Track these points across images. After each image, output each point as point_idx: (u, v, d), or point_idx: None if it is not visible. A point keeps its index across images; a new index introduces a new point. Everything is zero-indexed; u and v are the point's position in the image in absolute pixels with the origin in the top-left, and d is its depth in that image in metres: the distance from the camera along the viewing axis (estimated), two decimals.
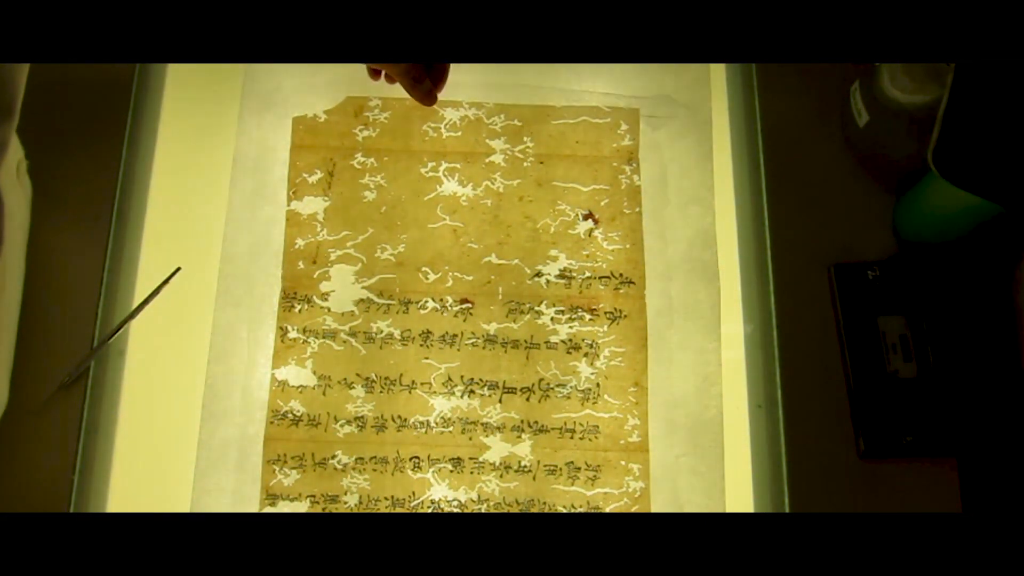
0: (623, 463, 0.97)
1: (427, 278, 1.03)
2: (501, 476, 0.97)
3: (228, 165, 1.07)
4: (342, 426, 0.98)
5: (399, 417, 0.99)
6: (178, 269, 0.99)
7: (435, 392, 1.00)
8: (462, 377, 1.00)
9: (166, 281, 0.98)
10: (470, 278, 1.02)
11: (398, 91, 1.04)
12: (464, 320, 1.02)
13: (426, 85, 1.01)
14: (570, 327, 1.02)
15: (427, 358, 1.01)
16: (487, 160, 1.09)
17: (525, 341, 1.02)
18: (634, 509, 0.96)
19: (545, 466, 0.97)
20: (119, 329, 0.96)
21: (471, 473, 0.97)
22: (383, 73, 1.06)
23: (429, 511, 0.96)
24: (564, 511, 0.96)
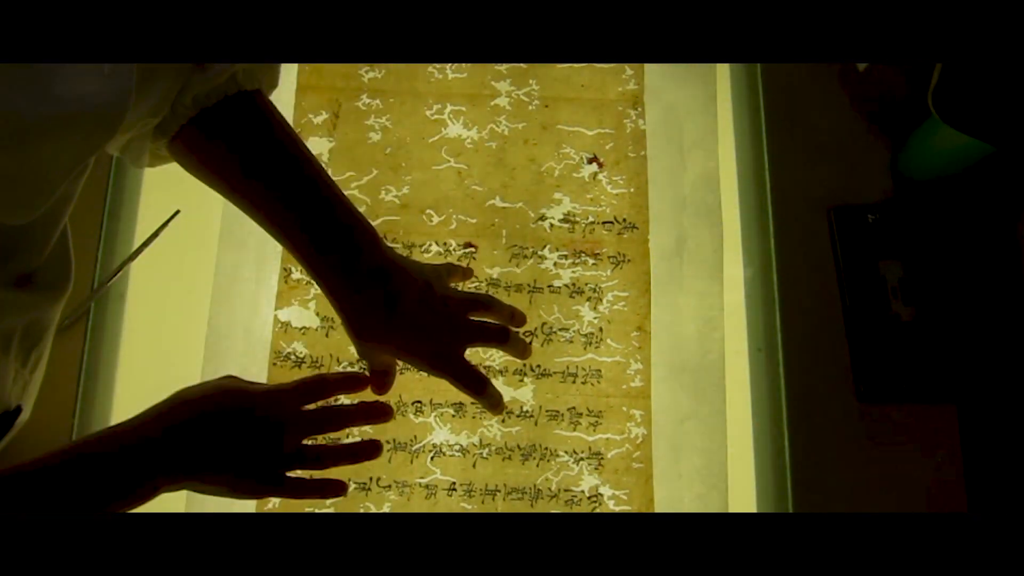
0: (625, 408, 0.89)
1: (431, 220, 0.94)
2: (503, 421, 0.89)
3: None
4: (344, 368, 0.89)
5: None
6: (177, 212, 0.90)
7: None
8: None
9: (165, 224, 0.89)
10: (474, 221, 0.93)
11: None
12: (468, 263, 0.93)
13: (494, 396, 0.74)
14: (573, 271, 0.93)
15: None
16: (492, 102, 0.99)
17: (528, 285, 0.92)
18: (635, 455, 0.87)
19: (547, 411, 0.89)
20: (118, 272, 0.87)
21: (472, 417, 0.89)
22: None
23: (431, 455, 0.87)
24: (566, 456, 0.87)
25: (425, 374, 0.88)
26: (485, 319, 0.75)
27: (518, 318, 0.77)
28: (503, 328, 0.74)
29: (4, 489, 0.56)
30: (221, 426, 0.64)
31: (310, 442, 0.68)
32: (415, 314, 0.70)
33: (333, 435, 0.82)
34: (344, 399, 0.77)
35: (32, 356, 0.60)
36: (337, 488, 0.70)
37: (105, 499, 0.59)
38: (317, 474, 0.68)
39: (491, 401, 0.73)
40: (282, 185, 0.65)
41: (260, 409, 0.66)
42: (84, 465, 0.59)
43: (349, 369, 0.89)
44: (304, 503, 0.86)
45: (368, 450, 0.70)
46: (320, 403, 0.69)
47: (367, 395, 0.71)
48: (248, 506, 0.86)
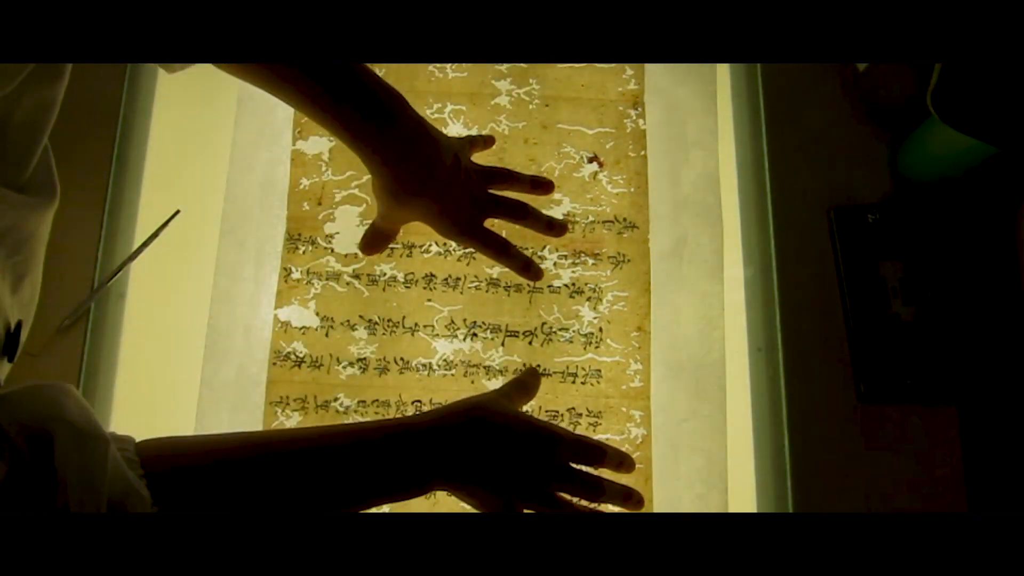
0: (624, 409, 0.89)
1: None
2: None
3: (232, 105, 0.97)
4: (344, 368, 0.89)
5: (401, 360, 0.90)
6: (177, 212, 0.90)
7: (438, 335, 0.91)
8: (465, 320, 0.91)
9: (165, 224, 0.89)
10: None
11: None
12: (467, 263, 0.93)
13: (519, 258, 0.84)
14: (573, 271, 0.93)
15: (430, 300, 0.92)
16: (493, 102, 0.99)
17: (528, 285, 0.93)
18: (635, 456, 0.87)
19: (547, 411, 0.89)
20: (118, 271, 0.87)
21: None
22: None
23: None
24: None
25: (426, 374, 0.88)
26: (505, 192, 0.84)
27: (543, 185, 0.86)
28: (522, 203, 0.83)
29: (288, 460, 0.61)
30: (509, 455, 0.68)
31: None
32: (446, 180, 0.77)
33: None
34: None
35: (10, 263, 0.60)
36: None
37: (382, 489, 0.64)
38: None
39: (519, 262, 0.83)
40: (312, 66, 0.70)
41: (547, 452, 0.70)
42: (367, 451, 0.64)
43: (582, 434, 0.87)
44: None
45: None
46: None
47: None
48: None
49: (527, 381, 0.80)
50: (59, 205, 0.67)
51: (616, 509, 0.75)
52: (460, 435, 0.67)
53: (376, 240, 0.83)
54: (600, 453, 0.72)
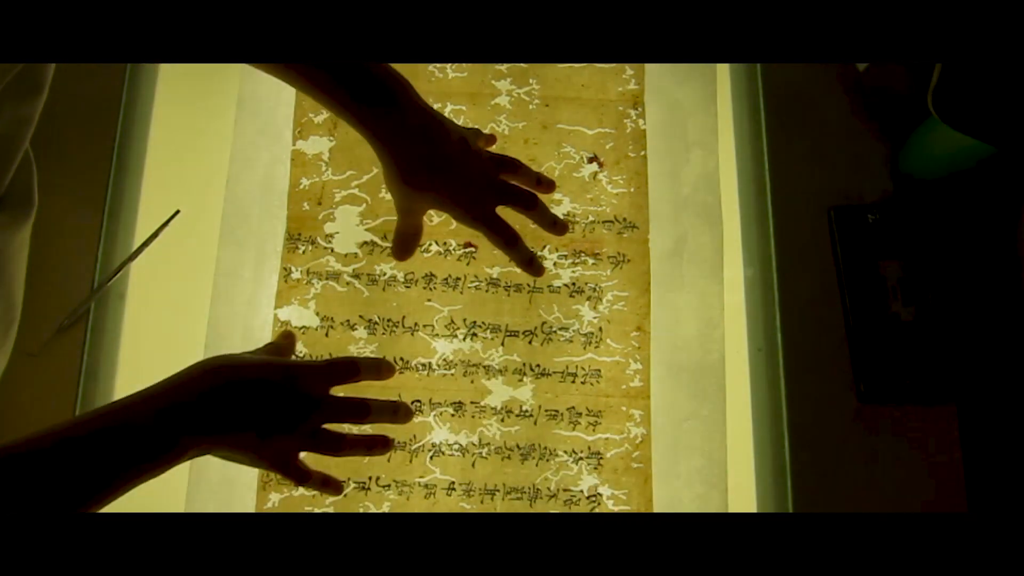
0: (624, 408, 0.89)
1: (431, 220, 0.94)
2: (502, 420, 0.89)
3: (232, 104, 0.97)
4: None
5: (401, 359, 0.90)
6: (177, 212, 0.90)
7: (438, 335, 0.91)
8: (464, 320, 0.91)
9: (165, 224, 0.89)
10: None
11: None
12: (467, 263, 0.93)
13: (524, 252, 0.80)
14: (573, 271, 0.93)
15: (430, 300, 0.92)
16: (493, 102, 0.99)
17: (528, 285, 0.93)
18: (635, 455, 0.87)
19: (546, 411, 0.89)
20: (118, 272, 0.87)
21: (472, 417, 0.89)
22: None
23: (430, 454, 0.87)
24: (565, 456, 0.87)
25: (426, 374, 0.88)
26: (513, 182, 0.80)
27: (544, 183, 0.83)
28: (532, 194, 0.80)
29: (30, 462, 0.57)
30: (251, 393, 0.65)
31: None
32: (456, 163, 0.75)
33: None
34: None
35: None
36: (385, 443, 0.72)
37: (132, 465, 0.60)
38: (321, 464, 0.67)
39: (524, 256, 0.80)
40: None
41: (290, 382, 0.67)
42: (109, 434, 0.61)
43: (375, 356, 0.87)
44: (303, 502, 0.86)
45: (381, 444, 0.72)
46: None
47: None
48: (248, 505, 0.86)
49: (280, 344, 0.79)
50: (59, 206, 0.67)
51: (387, 429, 0.74)
52: (197, 395, 0.64)
53: (405, 242, 0.80)
54: (352, 367, 0.71)
